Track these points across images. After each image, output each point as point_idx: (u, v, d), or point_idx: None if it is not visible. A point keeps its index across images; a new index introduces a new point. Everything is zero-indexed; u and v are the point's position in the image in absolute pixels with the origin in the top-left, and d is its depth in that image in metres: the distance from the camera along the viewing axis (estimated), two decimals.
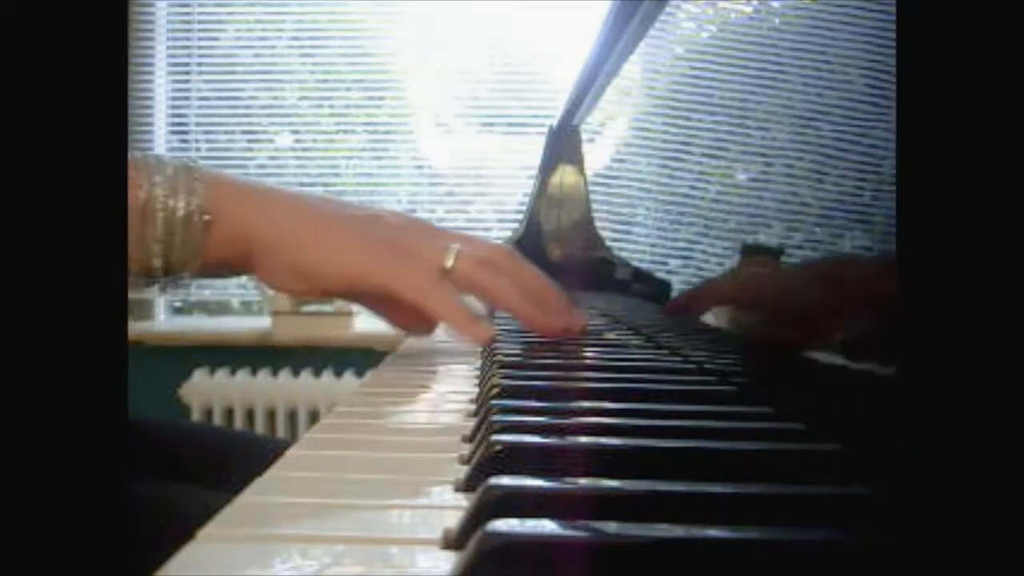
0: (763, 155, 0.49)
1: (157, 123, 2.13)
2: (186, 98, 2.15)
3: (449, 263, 0.51)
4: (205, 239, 0.48)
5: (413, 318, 0.56)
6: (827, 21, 0.40)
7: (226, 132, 2.17)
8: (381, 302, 0.55)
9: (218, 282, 2.06)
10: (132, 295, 0.50)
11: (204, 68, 2.15)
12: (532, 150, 1.66)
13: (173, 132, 2.16)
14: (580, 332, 0.56)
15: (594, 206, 1.04)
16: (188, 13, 2.14)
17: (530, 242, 1.23)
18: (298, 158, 2.17)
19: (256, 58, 2.16)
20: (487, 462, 0.28)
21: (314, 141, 2.18)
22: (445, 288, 0.50)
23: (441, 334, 0.65)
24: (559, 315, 0.56)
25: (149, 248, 0.48)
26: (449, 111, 2.17)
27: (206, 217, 0.48)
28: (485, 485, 0.24)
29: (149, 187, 0.47)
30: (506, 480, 0.24)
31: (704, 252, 0.61)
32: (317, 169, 2.16)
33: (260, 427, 1.93)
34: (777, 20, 0.49)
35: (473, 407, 0.42)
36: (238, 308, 2.25)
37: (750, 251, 0.48)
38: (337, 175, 2.17)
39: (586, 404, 0.38)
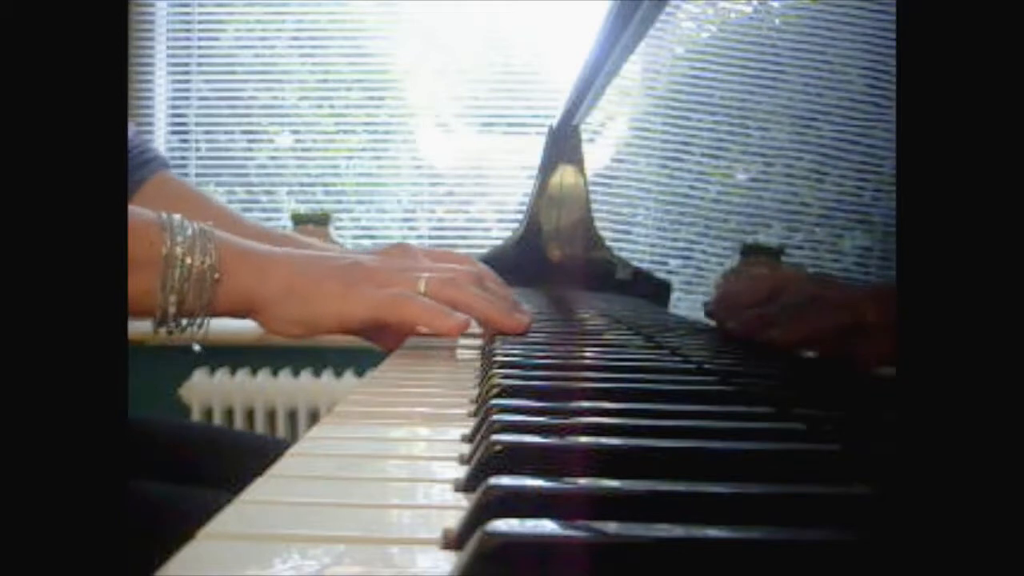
0: (763, 155, 0.49)
1: (157, 123, 2.13)
2: (186, 98, 2.15)
3: (421, 288, 0.59)
4: (214, 294, 0.56)
5: (398, 341, 0.66)
6: (827, 21, 0.40)
7: (226, 132, 2.16)
8: (368, 331, 0.63)
9: None
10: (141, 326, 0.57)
11: (204, 68, 2.15)
12: (532, 150, 1.66)
13: (173, 132, 2.16)
14: (526, 329, 0.68)
15: (594, 206, 1.04)
16: (188, 13, 2.14)
17: (530, 242, 1.23)
18: (298, 158, 2.17)
19: (256, 58, 2.16)
20: (487, 462, 0.28)
21: (314, 141, 2.18)
22: (417, 297, 0.58)
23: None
24: (516, 314, 0.65)
25: (167, 297, 0.55)
26: (449, 111, 2.17)
27: (216, 275, 0.56)
28: (485, 485, 0.23)
29: (171, 245, 0.54)
30: (506, 480, 0.24)
31: (704, 252, 0.61)
32: (317, 169, 2.16)
33: (260, 427, 1.92)
34: (777, 20, 0.49)
35: (473, 407, 0.42)
36: None
37: (750, 251, 0.49)
38: (337, 175, 2.17)
39: (586, 404, 0.37)
